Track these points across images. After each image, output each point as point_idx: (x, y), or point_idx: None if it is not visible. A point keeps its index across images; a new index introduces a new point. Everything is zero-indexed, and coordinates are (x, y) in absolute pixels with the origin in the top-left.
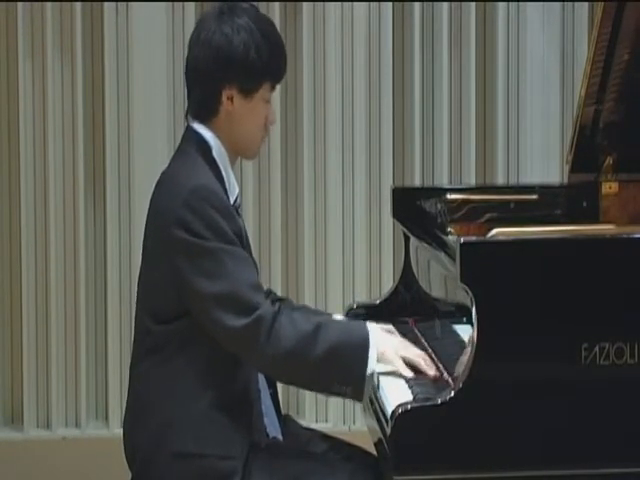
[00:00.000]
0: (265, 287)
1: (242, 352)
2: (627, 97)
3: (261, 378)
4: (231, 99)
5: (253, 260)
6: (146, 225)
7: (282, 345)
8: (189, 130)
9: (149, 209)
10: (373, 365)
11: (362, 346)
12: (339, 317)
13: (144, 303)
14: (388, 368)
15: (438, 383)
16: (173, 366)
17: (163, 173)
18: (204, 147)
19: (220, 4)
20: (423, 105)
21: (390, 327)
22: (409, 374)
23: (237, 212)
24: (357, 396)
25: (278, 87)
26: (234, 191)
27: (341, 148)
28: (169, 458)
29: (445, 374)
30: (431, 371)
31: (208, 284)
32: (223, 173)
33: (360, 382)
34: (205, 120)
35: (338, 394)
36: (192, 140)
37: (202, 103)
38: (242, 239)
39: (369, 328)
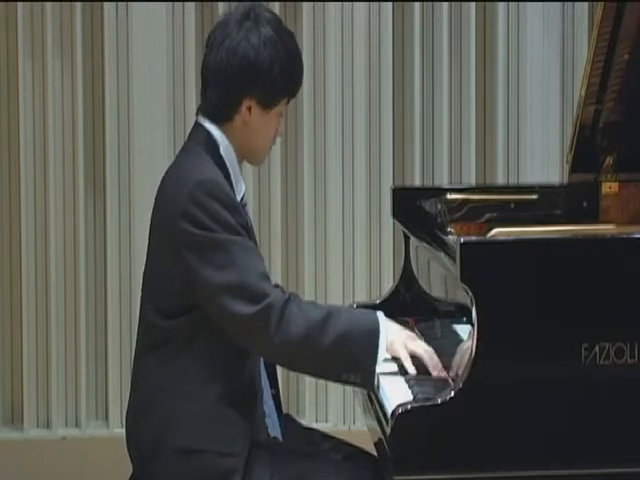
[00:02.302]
0: (277, 279)
1: (251, 340)
2: (627, 97)
3: (264, 378)
4: (249, 109)
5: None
6: (152, 219)
7: (292, 333)
8: (197, 127)
9: (155, 203)
10: (383, 353)
11: (372, 334)
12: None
13: (149, 297)
14: (391, 366)
15: (440, 382)
16: (177, 362)
17: (169, 168)
18: (211, 144)
19: (243, 7)
20: (423, 105)
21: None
22: (413, 370)
23: (243, 210)
24: (367, 384)
25: None
26: (241, 189)
27: (341, 148)
28: (171, 454)
29: (445, 374)
30: (435, 369)
31: (217, 275)
32: (230, 170)
33: (370, 370)
34: (218, 122)
35: (347, 382)
36: (200, 137)
37: (219, 107)
38: (249, 234)
39: (379, 315)
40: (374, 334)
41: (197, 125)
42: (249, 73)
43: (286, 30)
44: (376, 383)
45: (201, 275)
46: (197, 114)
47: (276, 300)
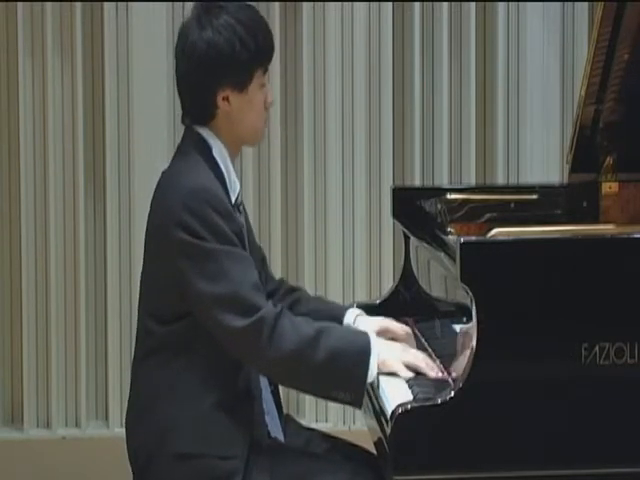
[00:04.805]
0: (277, 277)
1: (243, 353)
2: (627, 97)
3: (262, 376)
4: (227, 99)
5: (262, 253)
6: (147, 226)
7: (283, 347)
8: (188, 130)
9: (150, 210)
10: (374, 373)
11: (363, 353)
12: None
13: (145, 304)
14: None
15: (440, 381)
16: (174, 367)
17: (163, 173)
18: (204, 147)
19: (194, 6)
20: (423, 105)
21: (406, 327)
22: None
23: (239, 210)
24: (356, 403)
25: (278, 87)
26: (235, 189)
27: (341, 148)
28: (170, 458)
29: (445, 374)
30: (432, 372)
31: (209, 286)
32: (224, 172)
33: (360, 389)
34: (204, 124)
35: (337, 399)
36: (192, 140)
37: (198, 111)
38: (243, 239)
39: (371, 336)
40: (365, 354)
41: (187, 128)
42: (212, 68)
43: (243, 6)
44: (376, 383)
45: (193, 285)
46: (183, 121)
47: (268, 313)
